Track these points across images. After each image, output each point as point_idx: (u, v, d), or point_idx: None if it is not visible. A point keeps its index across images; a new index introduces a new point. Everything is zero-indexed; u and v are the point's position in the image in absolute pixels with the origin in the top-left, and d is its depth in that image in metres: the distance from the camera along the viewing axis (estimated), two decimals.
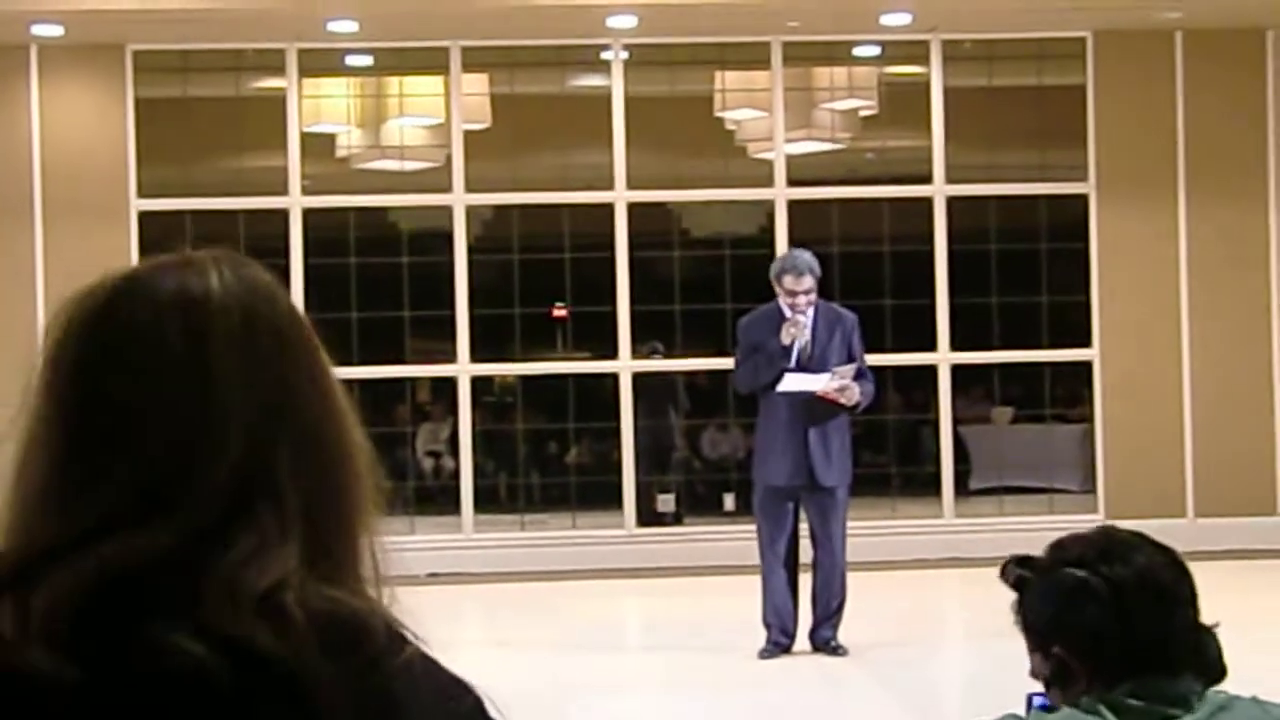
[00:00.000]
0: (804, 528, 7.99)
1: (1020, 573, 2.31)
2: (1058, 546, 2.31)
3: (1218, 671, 2.24)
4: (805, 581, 7.97)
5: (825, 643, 7.89)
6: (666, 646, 8.31)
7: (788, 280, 7.81)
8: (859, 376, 7.81)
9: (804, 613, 7.95)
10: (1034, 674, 2.32)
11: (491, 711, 1.18)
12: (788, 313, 7.82)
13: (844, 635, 7.91)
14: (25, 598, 1.10)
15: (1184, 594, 2.25)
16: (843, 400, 7.73)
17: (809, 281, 7.80)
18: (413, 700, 1.11)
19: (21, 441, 1.18)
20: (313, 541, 1.14)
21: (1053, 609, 2.24)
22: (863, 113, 12.23)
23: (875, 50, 11.78)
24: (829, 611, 7.91)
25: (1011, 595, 2.35)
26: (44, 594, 1.10)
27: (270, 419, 1.16)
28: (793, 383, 7.69)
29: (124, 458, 1.14)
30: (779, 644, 7.86)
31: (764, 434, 7.94)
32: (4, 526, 1.16)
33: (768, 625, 7.90)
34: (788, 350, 7.75)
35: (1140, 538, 2.30)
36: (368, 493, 1.20)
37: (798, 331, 7.74)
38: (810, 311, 7.83)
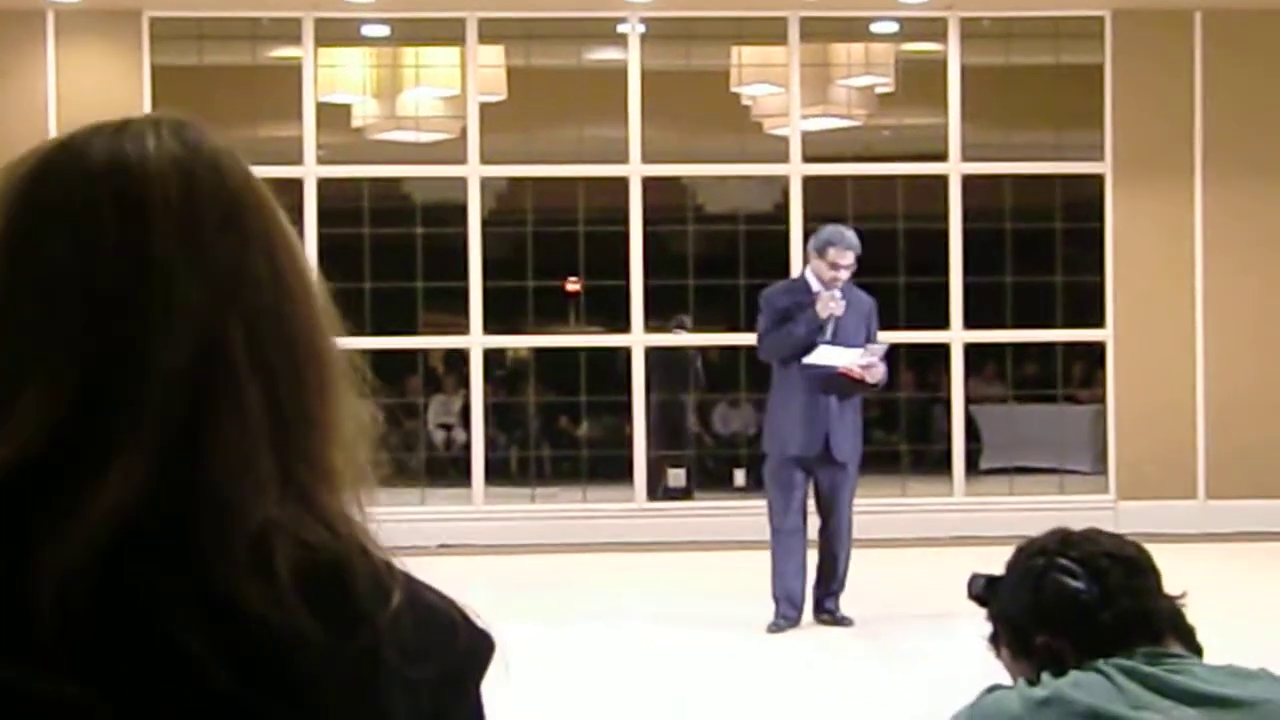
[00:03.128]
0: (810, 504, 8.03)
1: (987, 575, 2.34)
2: (1016, 552, 2.36)
3: (1196, 644, 2.26)
4: (810, 556, 8.01)
5: (831, 614, 7.93)
6: (675, 620, 8.32)
7: (832, 253, 7.82)
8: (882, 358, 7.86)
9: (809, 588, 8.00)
10: (993, 644, 2.35)
11: (484, 646, 1.10)
12: (815, 286, 7.85)
13: (853, 610, 7.94)
14: (16, 567, 0.98)
15: (1151, 564, 2.29)
16: (868, 378, 7.77)
17: (851, 258, 7.84)
18: (401, 663, 1.03)
19: None
20: (285, 444, 1.04)
21: (1029, 596, 2.27)
22: (879, 90, 12.20)
23: (893, 27, 11.74)
24: (833, 585, 7.95)
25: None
26: (44, 580, 0.97)
27: (221, 304, 1.03)
28: (824, 355, 7.72)
29: (65, 363, 1.01)
30: (787, 617, 7.88)
31: (780, 404, 7.94)
32: None
33: (776, 599, 7.92)
34: (823, 325, 7.77)
35: (1095, 530, 2.34)
36: (340, 384, 1.08)
37: (836, 306, 7.76)
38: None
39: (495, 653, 1.10)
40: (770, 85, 11.75)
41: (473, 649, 1.09)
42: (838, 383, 7.78)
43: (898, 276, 11.53)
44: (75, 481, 0.99)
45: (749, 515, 9.26)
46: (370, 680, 1.02)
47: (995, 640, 2.35)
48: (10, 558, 0.98)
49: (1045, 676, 2.21)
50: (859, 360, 7.73)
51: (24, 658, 0.97)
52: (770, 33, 11.42)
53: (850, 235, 7.95)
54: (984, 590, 2.35)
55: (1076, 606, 2.22)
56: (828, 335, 7.80)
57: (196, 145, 1.07)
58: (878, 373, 7.80)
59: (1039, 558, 2.28)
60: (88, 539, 0.98)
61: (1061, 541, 2.30)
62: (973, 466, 11.95)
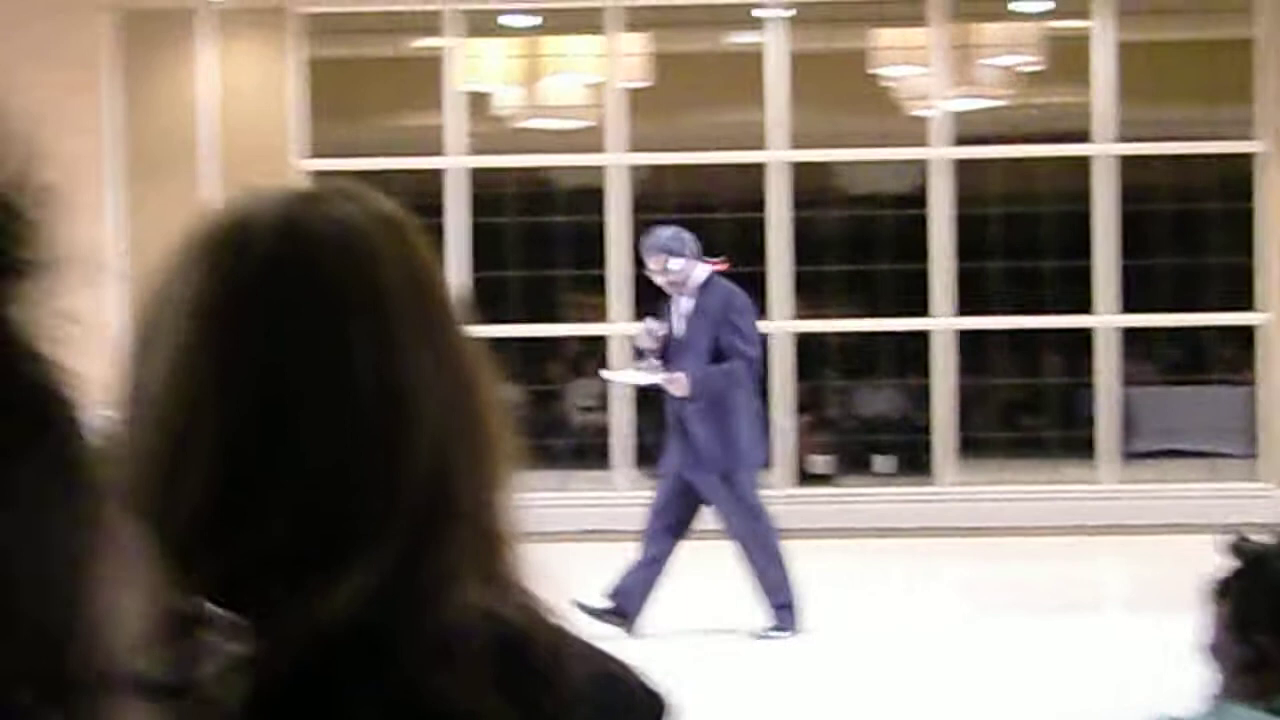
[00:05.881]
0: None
1: (1267, 545, 2.26)
2: None
3: None
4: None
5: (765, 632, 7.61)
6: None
7: (650, 263, 7.64)
8: (728, 355, 7.49)
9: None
10: (1211, 649, 2.27)
11: (658, 708, 1.09)
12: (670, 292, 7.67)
13: (1014, 599, 7.83)
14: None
15: None
16: (674, 391, 7.49)
17: (662, 260, 7.53)
18: None
19: (161, 437, 0.98)
20: (480, 547, 1.01)
21: None
22: (1025, 68, 12.01)
23: (1039, 5, 11.55)
24: (759, 597, 7.63)
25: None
26: (260, 668, 0.94)
27: (450, 411, 0.97)
28: (619, 377, 7.66)
29: (296, 473, 0.97)
30: None
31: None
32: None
33: None
34: (644, 352, 7.61)
35: None
36: (507, 464, 1.04)
37: (644, 339, 7.59)
38: (692, 288, 7.55)
39: (667, 715, 1.10)
40: (913, 66, 11.63)
41: (649, 713, 1.09)
42: (675, 398, 7.52)
43: (1043, 260, 11.36)
44: (308, 585, 0.97)
45: (891, 502, 9.19)
46: None
47: (1220, 593, 2.28)
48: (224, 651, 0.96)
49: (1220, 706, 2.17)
50: (645, 380, 7.58)
51: None
52: (912, 14, 11.30)
53: (657, 236, 7.64)
54: (1254, 558, 2.25)
55: None
56: (649, 355, 7.57)
57: (388, 219, 1.06)
58: (680, 384, 7.43)
59: None
60: (301, 640, 0.95)
61: None
62: (1121, 451, 11.74)
